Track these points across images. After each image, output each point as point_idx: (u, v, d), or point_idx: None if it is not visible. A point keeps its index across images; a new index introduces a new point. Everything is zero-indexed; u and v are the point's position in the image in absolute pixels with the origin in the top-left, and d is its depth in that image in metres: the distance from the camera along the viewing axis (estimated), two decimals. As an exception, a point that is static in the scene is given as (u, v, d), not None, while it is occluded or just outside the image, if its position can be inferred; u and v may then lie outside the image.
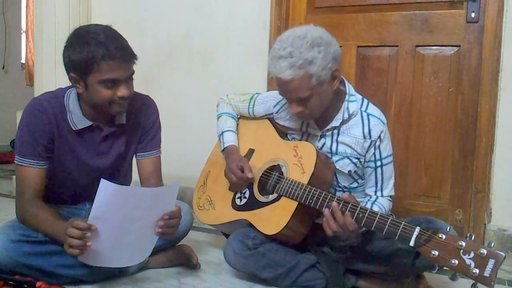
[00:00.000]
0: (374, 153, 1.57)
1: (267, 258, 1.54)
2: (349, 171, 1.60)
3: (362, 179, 1.64)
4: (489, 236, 2.10)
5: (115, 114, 1.54)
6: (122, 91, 1.44)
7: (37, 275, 1.45)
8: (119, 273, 1.59)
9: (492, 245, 1.12)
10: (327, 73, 1.43)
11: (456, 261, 1.14)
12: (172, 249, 1.73)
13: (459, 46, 2.16)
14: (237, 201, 1.68)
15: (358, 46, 2.33)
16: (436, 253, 1.17)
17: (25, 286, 1.43)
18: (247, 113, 1.82)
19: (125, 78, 1.44)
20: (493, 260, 1.10)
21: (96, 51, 1.37)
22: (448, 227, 1.24)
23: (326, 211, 1.39)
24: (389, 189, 1.61)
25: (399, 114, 2.28)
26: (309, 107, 1.47)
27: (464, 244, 1.14)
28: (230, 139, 1.77)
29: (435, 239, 1.19)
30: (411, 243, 1.23)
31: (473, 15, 2.10)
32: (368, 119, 1.56)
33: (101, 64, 1.38)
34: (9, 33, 5.02)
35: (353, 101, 1.57)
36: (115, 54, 1.38)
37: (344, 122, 1.57)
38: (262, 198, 1.61)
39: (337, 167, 1.59)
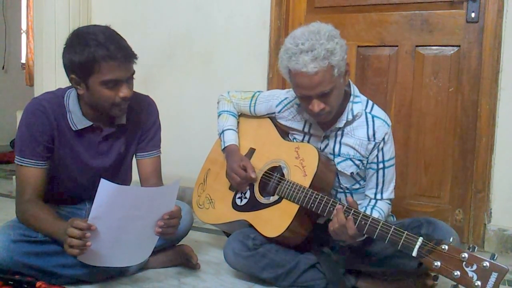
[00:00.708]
0: (377, 155, 1.56)
1: (267, 259, 1.54)
2: (352, 172, 1.59)
3: (364, 181, 1.63)
4: (489, 236, 2.10)
5: (116, 116, 1.53)
6: (123, 92, 1.44)
7: (37, 275, 1.45)
8: (119, 273, 1.59)
9: (495, 257, 1.12)
10: (344, 65, 1.44)
11: (459, 273, 1.14)
12: (172, 249, 1.73)
13: (459, 46, 2.16)
14: (238, 201, 1.68)
15: (358, 46, 2.33)
16: (439, 264, 1.17)
17: (25, 286, 1.43)
18: (248, 111, 1.82)
19: (126, 78, 1.44)
20: (496, 273, 1.10)
21: (96, 52, 1.36)
22: (451, 238, 1.24)
23: (339, 207, 1.39)
24: (389, 192, 1.60)
25: (399, 114, 2.28)
26: (330, 102, 1.46)
27: (466, 256, 1.14)
28: (231, 138, 1.77)
29: (438, 250, 1.19)
30: (414, 253, 1.23)
31: (473, 15, 2.10)
32: (373, 121, 1.56)
33: (102, 65, 1.38)
34: (9, 33, 5.01)
35: (358, 102, 1.56)
36: (115, 55, 1.38)
37: (348, 123, 1.57)
38: (262, 199, 1.61)
39: (339, 169, 1.59)
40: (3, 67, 5.01)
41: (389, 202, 1.61)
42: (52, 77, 2.71)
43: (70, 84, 1.51)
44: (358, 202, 1.50)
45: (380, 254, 1.51)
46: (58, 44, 2.59)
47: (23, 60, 5.11)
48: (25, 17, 4.97)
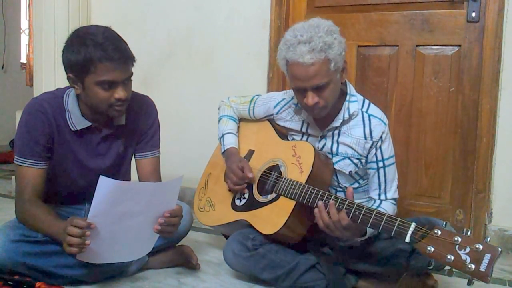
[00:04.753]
0: (375, 154, 1.56)
1: (267, 259, 1.53)
2: (350, 171, 1.59)
3: (363, 179, 1.63)
4: (490, 236, 2.09)
5: (113, 117, 1.53)
6: (119, 93, 1.43)
7: (36, 275, 1.45)
8: (119, 273, 1.59)
9: (488, 240, 1.12)
10: (341, 61, 1.45)
11: (452, 257, 1.13)
12: (172, 249, 1.73)
13: (460, 45, 2.15)
14: (237, 202, 1.68)
15: (358, 46, 2.33)
16: (432, 248, 1.16)
17: (25, 286, 1.42)
18: (247, 115, 1.82)
19: (122, 80, 1.43)
20: (489, 255, 1.09)
21: (93, 52, 1.36)
22: (445, 223, 1.23)
23: (320, 203, 1.39)
24: (392, 192, 1.59)
25: (399, 114, 2.28)
26: (324, 97, 1.46)
27: (459, 239, 1.13)
28: (230, 141, 1.77)
29: (431, 235, 1.18)
30: (407, 239, 1.22)
31: (473, 14, 2.10)
32: (369, 119, 1.56)
33: (97, 65, 1.37)
34: (8, 33, 5.01)
35: (354, 102, 1.57)
36: (112, 56, 1.38)
37: (344, 122, 1.57)
38: (261, 198, 1.61)
39: (337, 168, 1.59)
40: (2, 67, 5.01)
41: (393, 202, 1.60)
42: (51, 77, 2.71)
43: (69, 84, 1.51)
44: (359, 201, 1.50)
45: (380, 254, 1.51)
46: (58, 44, 2.59)
47: (23, 60, 5.11)
48: (28, 17, 4.96)
